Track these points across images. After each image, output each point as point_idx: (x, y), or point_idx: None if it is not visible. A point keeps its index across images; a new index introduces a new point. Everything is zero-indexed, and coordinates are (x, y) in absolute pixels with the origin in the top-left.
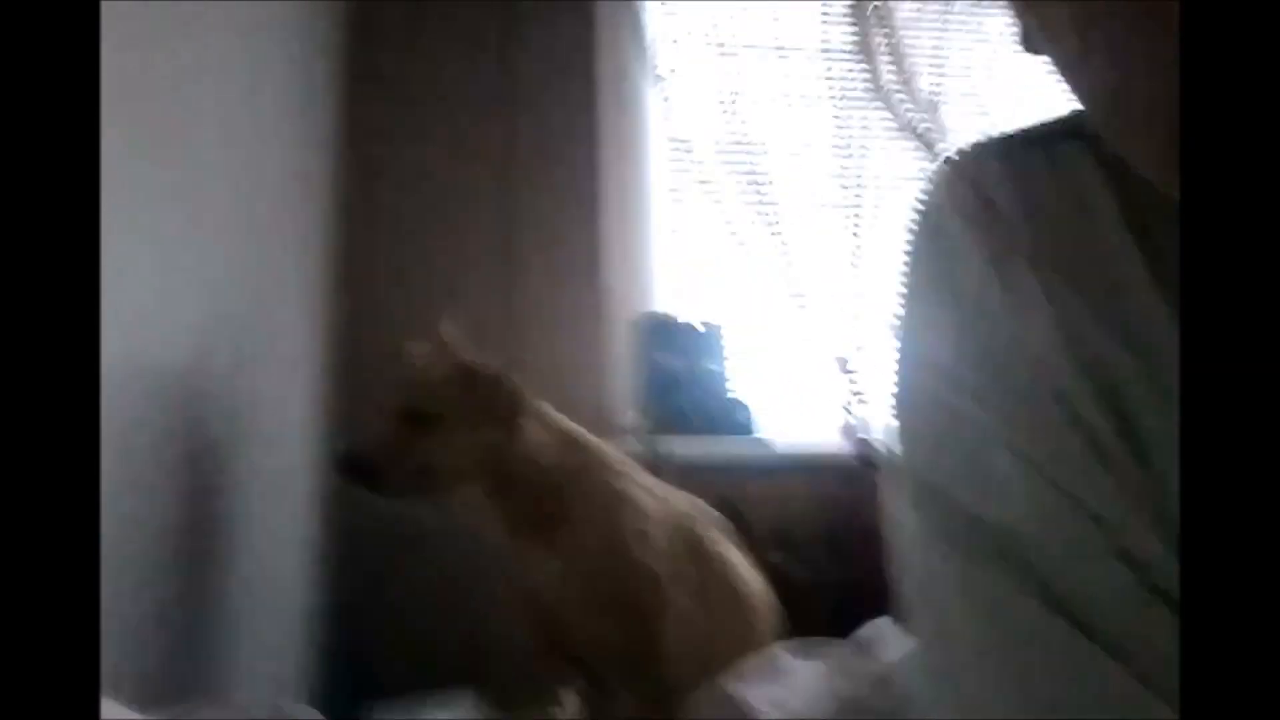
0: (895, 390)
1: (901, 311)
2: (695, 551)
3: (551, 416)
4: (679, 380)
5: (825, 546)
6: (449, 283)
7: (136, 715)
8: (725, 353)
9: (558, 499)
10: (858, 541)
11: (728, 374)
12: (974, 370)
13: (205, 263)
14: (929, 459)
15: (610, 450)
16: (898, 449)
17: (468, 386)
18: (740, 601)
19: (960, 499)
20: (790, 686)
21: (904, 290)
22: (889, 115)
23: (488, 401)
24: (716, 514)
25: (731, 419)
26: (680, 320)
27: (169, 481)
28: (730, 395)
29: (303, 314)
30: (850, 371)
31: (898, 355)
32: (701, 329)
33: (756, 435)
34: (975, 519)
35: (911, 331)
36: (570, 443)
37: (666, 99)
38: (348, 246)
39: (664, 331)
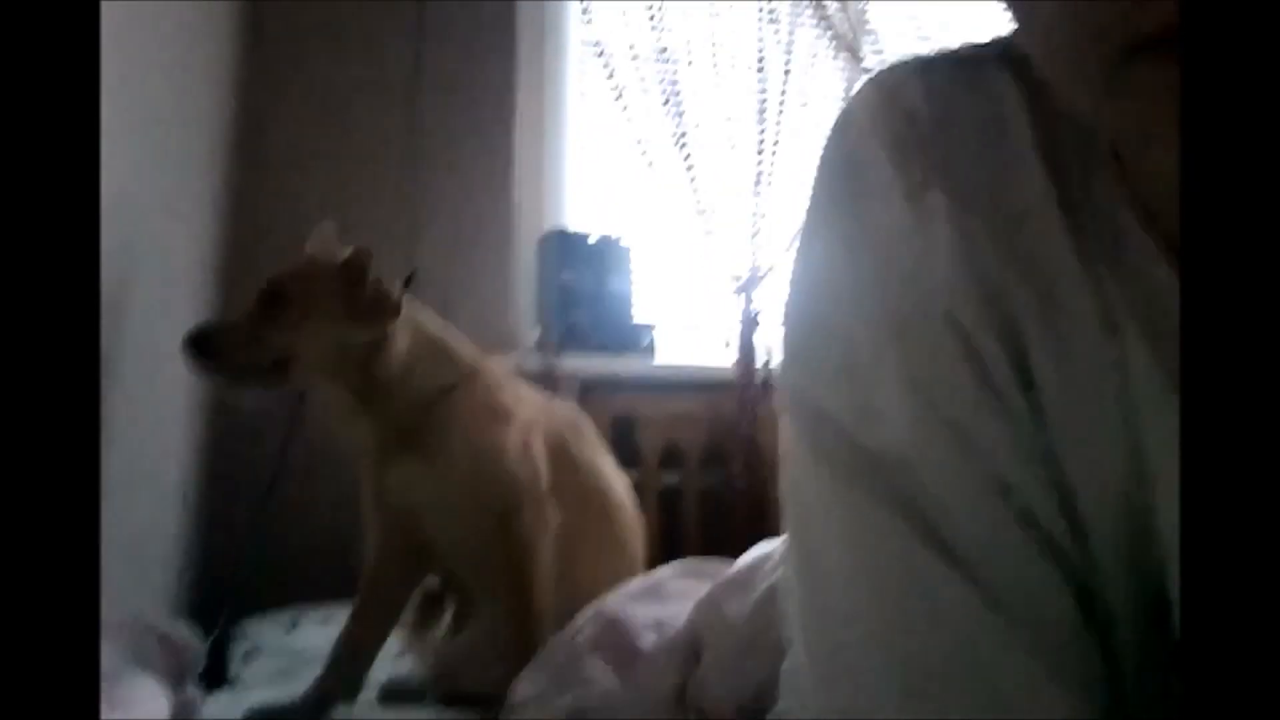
0: (786, 308)
1: (803, 228)
2: (573, 465)
3: (429, 328)
4: (583, 298)
5: (715, 466)
6: (354, 193)
7: None
8: (630, 272)
9: (426, 412)
10: (746, 463)
11: (632, 293)
12: (869, 292)
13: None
14: (814, 381)
15: (490, 364)
16: (785, 370)
17: (331, 279)
18: (615, 518)
19: (843, 423)
20: (671, 607)
21: (810, 205)
22: (821, 28)
23: (351, 299)
24: (593, 426)
25: (633, 339)
26: (587, 237)
27: None
28: (633, 316)
29: (193, 233)
30: (748, 294)
31: (793, 272)
32: (607, 247)
33: (654, 355)
34: (857, 444)
35: (810, 249)
36: (446, 356)
37: (586, 6)
38: (246, 159)
39: (570, 248)
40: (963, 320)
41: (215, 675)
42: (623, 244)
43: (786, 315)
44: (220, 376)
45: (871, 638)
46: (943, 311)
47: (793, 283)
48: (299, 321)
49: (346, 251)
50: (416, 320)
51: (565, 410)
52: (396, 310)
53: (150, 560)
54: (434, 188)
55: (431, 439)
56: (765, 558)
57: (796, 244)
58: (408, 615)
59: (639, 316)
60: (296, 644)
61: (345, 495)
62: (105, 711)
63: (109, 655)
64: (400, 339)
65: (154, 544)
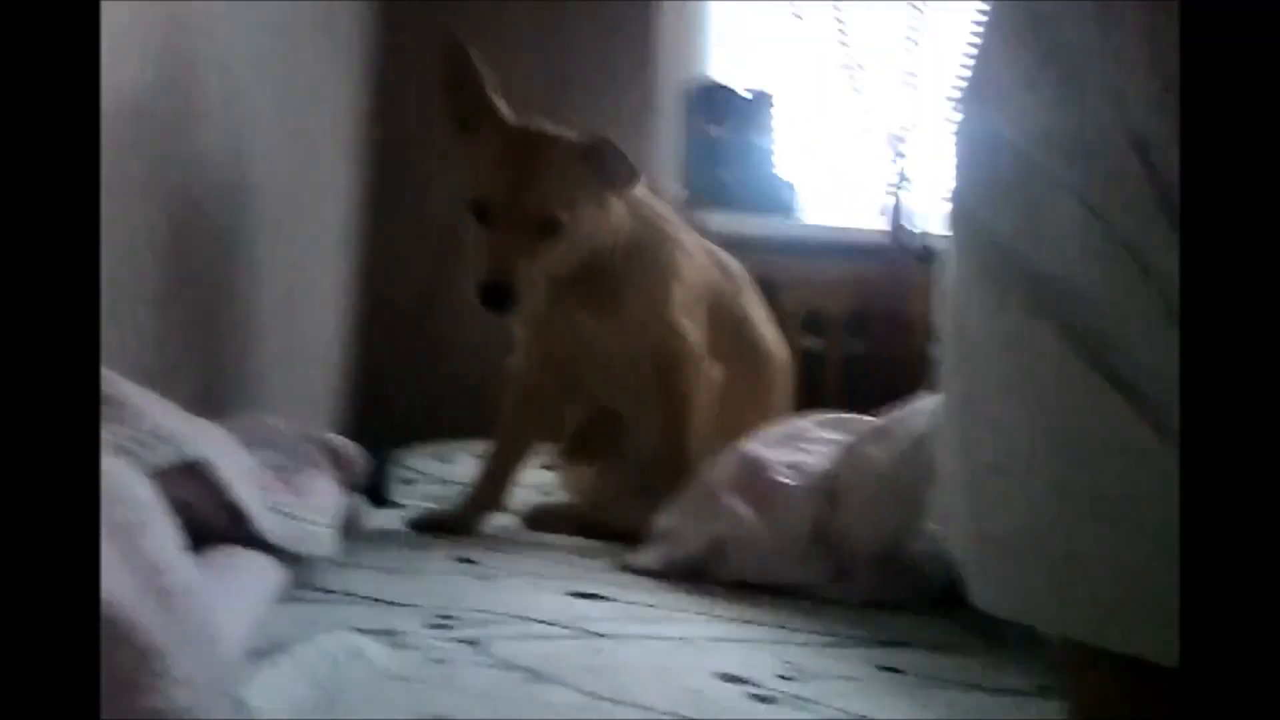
0: (959, 130)
1: (980, 49)
2: (732, 320)
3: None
4: (730, 154)
5: (858, 334)
6: (494, 41)
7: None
8: (774, 127)
9: (606, 259)
10: (893, 332)
11: (775, 149)
12: (1051, 110)
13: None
14: (985, 203)
15: (668, 216)
16: (954, 192)
17: (579, 160)
18: (767, 373)
19: (1013, 244)
20: (811, 453)
21: (988, 26)
22: None
23: (602, 181)
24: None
25: (775, 197)
26: (735, 91)
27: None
28: (776, 173)
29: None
30: (899, 153)
31: (966, 94)
32: (756, 101)
33: (798, 214)
34: (1026, 265)
35: (986, 69)
36: (632, 208)
37: None
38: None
39: (718, 102)
40: (1150, 139)
41: (376, 496)
42: (769, 96)
43: (959, 137)
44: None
45: (1034, 463)
46: (1127, 130)
47: (966, 103)
48: (570, 234)
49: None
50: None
51: (729, 264)
52: (636, 178)
53: (313, 384)
54: (575, 39)
55: (605, 286)
56: (912, 411)
57: (972, 65)
58: (559, 451)
59: (785, 175)
60: (451, 473)
61: (498, 333)
62: (285, 495)
63: (285, 455)
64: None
65: (316, 372)
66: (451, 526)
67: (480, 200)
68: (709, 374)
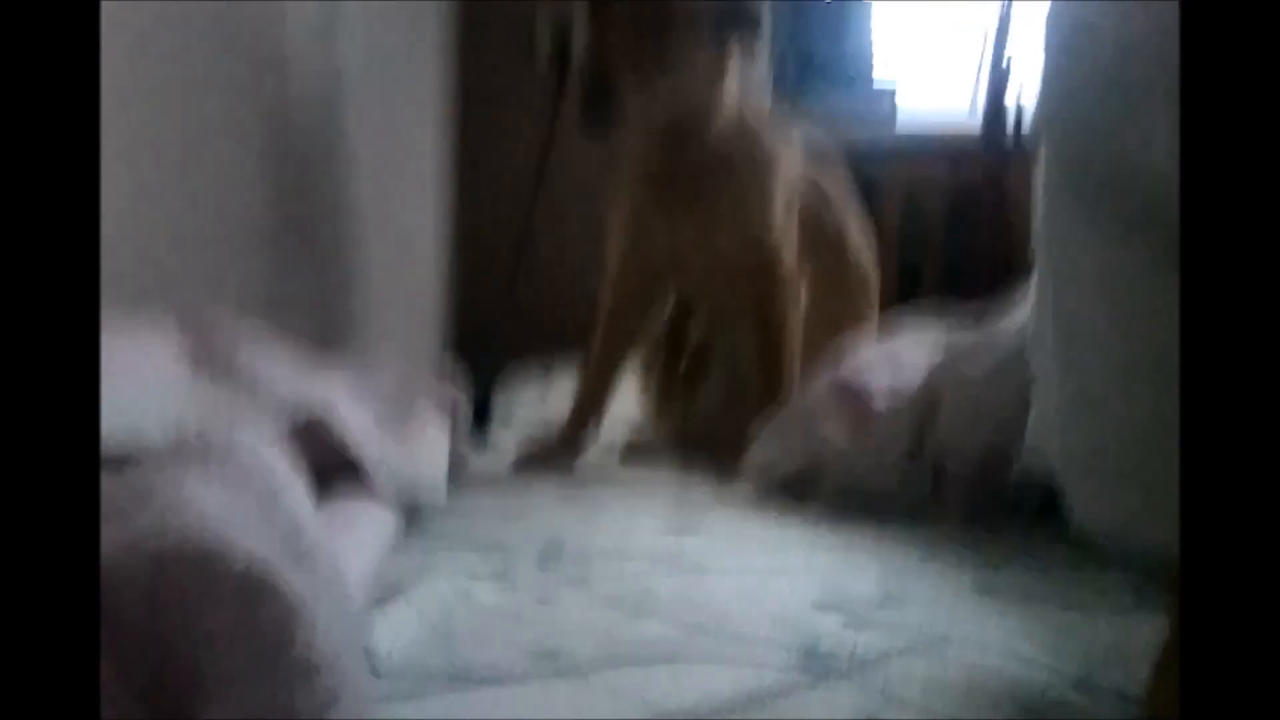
0: (1049, 23)
1: None
2: (823, 229)
3: (734, 72)
4: (816, 62)
5: (957, 236)
6: None
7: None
8: (870, 31)
9: (712, 158)
10: (989, 225)
11: (872, 53)
12: (1145, 15)
13: None
14: (1079, 100)
15: (773, 119)
16: (1044, 90)
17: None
18: (857, 281)
19: (1107, 148)
20: (906, 374)
21: None
22: None
23: (723, 11)
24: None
25: (873, 103)
26: None
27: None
28: (872, 78)
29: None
30: (998, 48)
31: None
32: (843, 5)
33: (894, 119)
34: (1120, 174)
35: None
36: (742, 103)
37: None
38: None
39: (801, 8)
40: None
41: (479, 428)
42: (866, 4)
43: (1051, 27)
44: (607, 126)
45: (1131, 387)
46: None
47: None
48: (683, 45)
49: None
50: (737, 69)
51: (828, 159)
52: (757, 22)
53: (415, 321)
54: None
55: (706, 191)
56: (1008, 322)
57: None
58: (650, 381)
59: (879, 78)
60: (549, 411)
61: (590, 260)
62: (397, 445)
63: (392, 404)
64: (729, 80)
65: (417, 310)
66: (554, 450)
67: None
68: (800, 294)
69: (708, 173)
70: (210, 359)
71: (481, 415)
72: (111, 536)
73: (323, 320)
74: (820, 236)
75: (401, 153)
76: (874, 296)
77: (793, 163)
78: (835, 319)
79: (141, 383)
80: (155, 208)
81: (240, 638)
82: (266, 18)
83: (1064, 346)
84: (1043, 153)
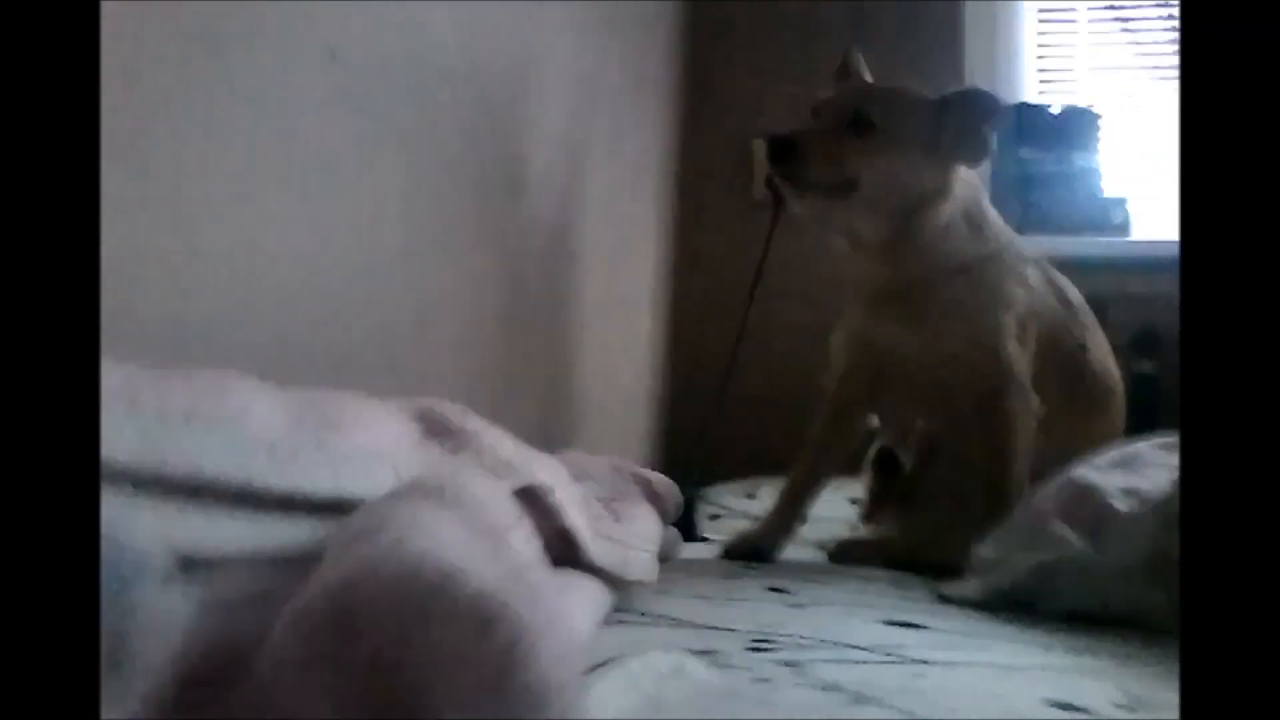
0: None
1: None
2: (1063, 344)
3: (974, 195)
4: (1044, 174)
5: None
6: (796, 70)
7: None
8: (1099, 142)
9: (942, 280)
10: None
11: (1101, 165)
12: None
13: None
14: None
15: (1015, 243)
16: None
17: (925, 110)
18: (1101, 400)
19: None
20: (1146, 476)
21: None
22: None
23: (940, 135)
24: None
25: (1103, 216)
26: (1048, 108)
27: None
28: (1103, 190)
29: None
30: None
31: None
32: (1073, 117)
33: (1129, 233)
34: None
35: None
36: (980, 229)
37: None
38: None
39: (1028, 121)
40: None
41: (685, 530)
42: (1092, 112)
43: None
44: (790, 184)
45: None
46: None
47: None
48: (882, 146)
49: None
50: (967, 183)
51: (1067, 289)
52: (984, 154)
53: (627, 428)
54: (881, 60)
55: (935, 307)
56: None
57: None
58: (867, 486)
59: (1111, 190)
60: (757, 509)
61: (806, 369)
62: (611, 522)
63: (605, 486)
64: (953, 197)
65: (629, 416)
66: (755, 547)
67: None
68: (1033, 404)
69: (935, 286)
70: (441, 429)
71: (690, 511)
72: (350, 557)
73: (546, 418)
74: (1061, 352)
75: (625, 276)
76: (1118, 416)
77: (1024, 274)
78: (1079, 432)
79: (377, 437)
80: (408, 298)
81: (472, 658)
82: (514, 127)
83: None
84: None
